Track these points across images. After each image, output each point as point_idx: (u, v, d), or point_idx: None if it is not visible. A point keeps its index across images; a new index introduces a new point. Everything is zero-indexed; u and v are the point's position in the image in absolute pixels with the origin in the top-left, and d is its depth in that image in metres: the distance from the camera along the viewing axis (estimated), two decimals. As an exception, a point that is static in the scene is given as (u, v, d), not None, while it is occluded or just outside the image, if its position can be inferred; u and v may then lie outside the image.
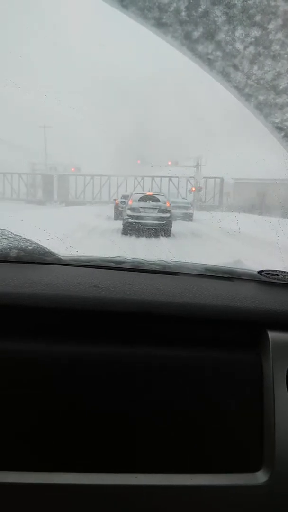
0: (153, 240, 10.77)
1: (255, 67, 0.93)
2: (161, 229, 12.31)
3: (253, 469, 1.04)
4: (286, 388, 1.06)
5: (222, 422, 1.05)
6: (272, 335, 1.09)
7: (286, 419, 1.04)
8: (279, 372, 1.06)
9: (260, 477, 1.03)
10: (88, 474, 1.01)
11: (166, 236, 11.93)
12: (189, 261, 1.42)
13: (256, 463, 1.04)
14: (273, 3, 0.85)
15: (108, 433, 1.02)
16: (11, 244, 1.35)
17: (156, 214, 12.56)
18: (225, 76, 0.96)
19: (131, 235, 11.51)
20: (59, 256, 1.39)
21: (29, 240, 1.38)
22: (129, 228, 11.88)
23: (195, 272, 1.37)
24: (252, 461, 1.05)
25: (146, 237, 11.49)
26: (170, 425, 1.04)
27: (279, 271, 1.35)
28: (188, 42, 0.92)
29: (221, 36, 0.89)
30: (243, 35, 0.89)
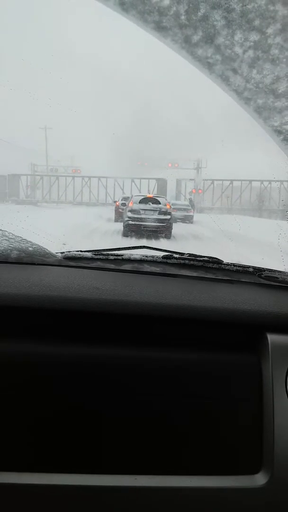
0: (153, 242, 10.78)
1: (254, 71, 0.93)
2: (162, 231, 12.34)
3: (252, 471, 1.04)
4: (285, 390, 1.06)
5: (221, 424, 1.05)
6: (271, 337, 1.09)
7: (285, 421, 1.04)
8: (278, 374, 1.07)
9: (259, 479, 1.03)
10: (88, 476, 1.01)
11: (167, 238, 11.96)
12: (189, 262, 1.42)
13: (255, 465, 1.05)
14: (271, 8, 0.86)
15: (107, 434, 1.02)
16: (11, 245, 1.35)
17: (156, 216, 12.59)
18: (224, 79, 0.96)
19: (131, 236, 11.53)
20: (59, 258, 1.40)
21: (29, 241, 1.39)
22: (129, 230, 11.91)
23: (195, 274, 1.37)
24: (251, 463, 1.05)
25: (146, 239, 11.51)
26: (169, 427, 1.04)
27: (279, 272, 1.35)
28: (188, 46, 0.92)
29: (220, 40, 0.90)
30: (242, 39, 0.89)
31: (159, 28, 0.91)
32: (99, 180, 27.76)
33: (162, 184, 27.06)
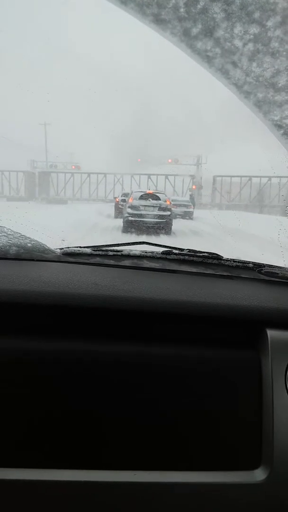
0: (153, 238, 10.78)
1: (254, 64, 0.92)
2: (161, 227, 12.32)
3: (252, 467, 1.04)
4: (284, 386, 1.06)
5: (221, 420, 1.05)
6: (271, 333, 1.09)
7: (285, 417, 1.04)
8: (277, 370, 1.06)
9: (259, 475, 1.03)
10: (87, 471, 1.01)
11: (166, 234, 11.94)
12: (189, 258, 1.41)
13: (255, 461, 1.05)
14: (271, 0, 0.85)
15: (107, 430, 1.02)
16: (10, 242, 1.35)
17: (156, 212, 12.56)
18: (224, 73, 0.95)
19: (131, 233, 11.53)
20: (58, 254, 1.39)
21: (28, 237, 1.38)
22: (129, 226, 11.89)
23: (194, 270, 1.37)
24: (250, 459, 1.05)
25: (146, 235, 11.51)
26: (168, 423, 1.04)
27: (278, 267, 1.34)
28: (187, 39, 0.92)
29: (220, 33, 0.89)
30: (242, 32, 0.88)
31: (158, 21, 0.90)
32: (132, 178, 27.37)
33: (197, 181, 26.73)
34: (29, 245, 1.36)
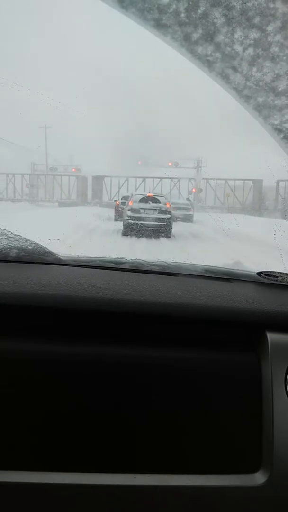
0: (153, 241, 10.79)
1: (254, 69, 0.93)
2: (161, 230, 12.33)
3: (252, 470, 1.04)
4: (284, 389, 1.06)
5: (221, 423, 1.05)
6: (271, 336, 1.09)
7: (285, 420, 1.04)
8: (278, 373, 1.06)
9: (259, 478, 1.03)
10: (87, 474, 1.01)
11: (166, 237, 11.94)
12: (189, 262, 1.42)
13: (255, 464, 1.05)
14: (271, 5, 0.86)
15: (107, 433, 1.02)
16: (11, 244, 1.35)
17: (156, 215, 12.56)
18: (224, 77, 0.96)
19: (131, 236, 11.54)
20: (59, 256, 1.40)
21: (29, 240, 1.38)
22: (130, 229, 11.90)
23: (194, 273, 1.37)
24: (250, 462, 1.05)
25: (146, 238, 11.52)
26: (169, 426, 1.04)
27: (278, 272, 1.35)
28: (188, 44, 0.92)
29: (220, 37, 0.90)
30: (242, 37, 0.89)
31: (159, 26, 0.91)
32: (189, 182, 26.57)
33: (258, 185, 25.68)
34: (29, 247, 1.36)
